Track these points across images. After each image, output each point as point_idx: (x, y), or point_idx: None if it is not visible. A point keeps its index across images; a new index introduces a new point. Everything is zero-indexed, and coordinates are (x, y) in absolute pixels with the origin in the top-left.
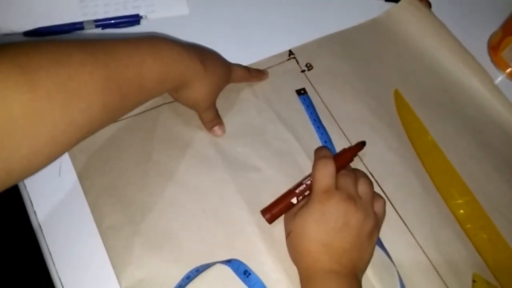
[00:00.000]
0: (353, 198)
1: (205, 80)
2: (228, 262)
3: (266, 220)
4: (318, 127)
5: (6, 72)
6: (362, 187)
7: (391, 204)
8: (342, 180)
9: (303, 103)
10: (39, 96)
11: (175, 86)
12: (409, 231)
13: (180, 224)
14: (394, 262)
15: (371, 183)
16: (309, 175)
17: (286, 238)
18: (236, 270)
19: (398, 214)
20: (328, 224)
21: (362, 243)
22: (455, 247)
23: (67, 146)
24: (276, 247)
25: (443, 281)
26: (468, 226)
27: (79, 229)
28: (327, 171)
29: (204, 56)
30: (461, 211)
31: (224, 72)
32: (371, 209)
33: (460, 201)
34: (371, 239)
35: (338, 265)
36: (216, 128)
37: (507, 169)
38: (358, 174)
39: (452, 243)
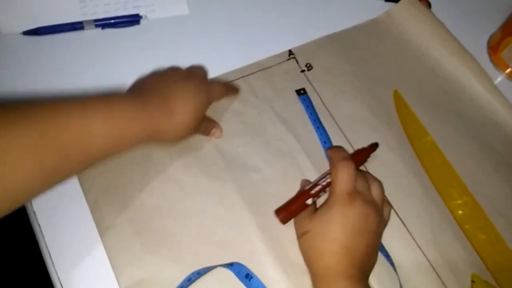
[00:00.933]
0: (373, 203)
1: (175, 125)
2: (230, 265)
3: (280, 221)
4: (318, 127)
5: None
6: (375, 191)
7: (390, 204)
8: (358, 183)
9: (303, 103)
10: None
11: (137, 143)
12: (408, 231)
13: (179, 224)
14: (394, 262)
15: (382, 186)
16: (323, 176)
17: (299, 237)
18: (237, 274)
19: (397, 215)
20: (351, 227)
21: (376, 246)
22: (454, 247)
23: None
24: (276, 248)
25: (442, 281)
26: (467, 226)
27: (78, 229)
28: (350, 173)
29: (168, 99)
30: (460, 211)
31: (198, 102)
32: (382, 214)
33: (459, 201)
34: (379, 242)
35: (357, 269)
36: (213, 131)
37: (506, 170)
38: (370, 178)
39: (451, 244)
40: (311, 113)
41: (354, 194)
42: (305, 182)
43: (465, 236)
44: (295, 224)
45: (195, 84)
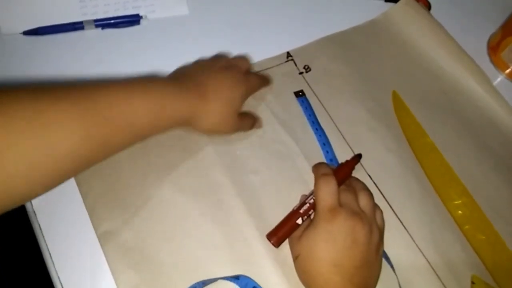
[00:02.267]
0: (358, 214)
1: (209, 112)
2: (236, 278)
3: (273, 245)
4: (317, 129)
5: None
6: (363, 201)
7: (390, 206)
8: (344, 196)
9: (301, 105)
10: (16, 121)
11: (175, 124)
12: (408, 232)
13: (178, 228)
14: (393, 264)
15: (371, 194)
16: (311, 194)
17: (294, 261)
18: (244, 287)
19: (397, 216)
20: (337, 243)
21: (371, 258)
22: (454, 249)
23: (56, 177)
24: (276, 251)
25: (442, 282)
26: (467, 227)
27: (79, 232)
28: (330, 189)
29: (206, 85)
30: (460, 212)
31: (234, 93)
32: (375, 222)
33: (458, 202)
34: (378, 253)
35: (351, 284)
36: (255, 125)
37: (505, 170)
38: (357, 187)
39: (451, 245)
40: (309, 115)
41: (336, 209)
42: (304, 197)
43: (464, 237)
44: (290, 248)
45: (232, 76)
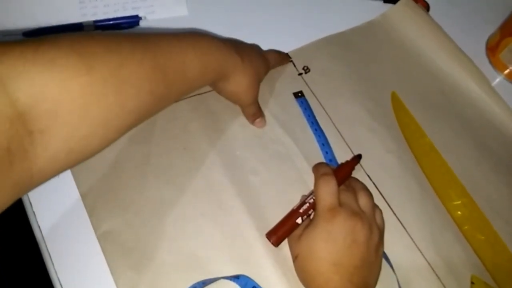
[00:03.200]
0: (358, 214)
1: (243, 71)
2: (236, 278)
3: (272, 244)
4: (316, 130)
5: (65, 58)
6: (363, 201)
7: (389, 206)
8: (344, 196)
9: (300, 106)
10: (95, 80)
11: (215, 78)
12: (407, 233)
13: (178, 227)
14: (393, 265)
15: (370, 195)
16: (311, 193)
17: (293, 261)
18: (244, 287)
19: (396, 217)
20: (336, 243)
21: (370, 258)
22: (453, 249)
23: (119, 132)
24: (275, 250)
25: (442, 283)
26: (466, 227)
27: (78, 232)
28: (330, 189)
29: (240, 48)
30: (459, 212)
31: (260, 63)
32: (375, 222)
33: (457, 202)
34: (378, 252)
35: (350, 284)
36: (258, 121)
37: (504, 171)
38: (357, 187)
39: (451, 245)
40: (308, 116)
41: (336, 209)
42: (304, 197)
43: (464, 237)
44: (289, 247)
45: (257, 50)
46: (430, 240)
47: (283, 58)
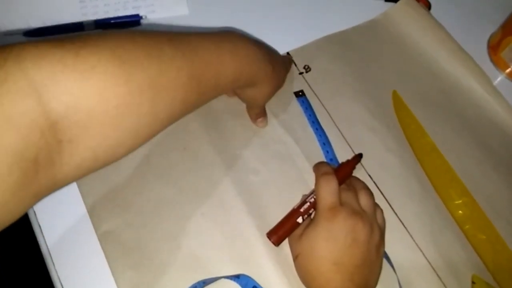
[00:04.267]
0: (359, 213)
1: (270, 80)
2: (236, 277)
3: (273, 243)
4: (317, 129)
5: (105, 65)
6: (364, 200)
7: (390, 206)
8: (345, 195)
9: (301, 105)
10: (132, 90)
11: (245, 85)
12: (408, 233)
13: (178, 227)
14: (393, 264)
15: (371, 194)
16: (311, 193)
17: (294, 260)
18: (244, 286)
19: (397, 216)
20: (337, 242)
21: (371, 257)
22: (454, 248)
23: (147, 139)
24: (276, 250)
25: (443, 282)
26: (467, 227)
27: (79, 232)
28: (330, 188)
29: (273, 57)
30: (460, 212)
31: (284, 73)
32: (376, 221)
33: (458, 202)
34: (379, 252)
35: (351, 283)
36: (260, 120)
37: (505, 170)
38: (358, 187)
39: (452, 245)
40: (309, 115)
41: (336, 208)
42: (305, 197)
43: (465, 237)
44: (290, 247)
45: (282, 58)
46: (431, 239)
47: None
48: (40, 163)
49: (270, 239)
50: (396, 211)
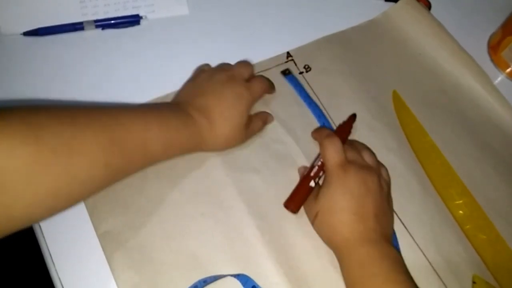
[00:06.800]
0: (366, 167)
1: (218, 134)
2: (236, 276)
3: (291, 211)
4: (310, 104)
5: (14, 128)
6: (367, 157)
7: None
8: (349, 153)
9: (290, 83)
10: (43, 149)
11: (184, 151)
12: (409, 232)
13: (179, 227)
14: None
15: (373, 152)
16: (316, 158)
17: (312, 223)
18: (244, 284)
19: (397, 216)
20: (353, 194)
21: (384, 205)
22: (454, 248)
23: (69, 202)
24: (277, 250)
25: (443, 282)
26: (468, 226)
27: (79, 232)
28: (336, 147)
29: (208, 111)
30: (460, 211)
31: (238, 110)
32: (382, 175)
33: (459, 202)
34: (390, 202)
35: (374, 232)
36: (267, 122)
37: (505, 170)
38: (359, 147)
39: (452, 245)
40: (300, 91)
41: (346, 164)
42: (303, 168)
43: (465, 237)
44: (306, 212)
45: (233, 91)
46: (431, 239)
47: (269, 84)
48: None
49: (288, 209)
50: (396, 211)
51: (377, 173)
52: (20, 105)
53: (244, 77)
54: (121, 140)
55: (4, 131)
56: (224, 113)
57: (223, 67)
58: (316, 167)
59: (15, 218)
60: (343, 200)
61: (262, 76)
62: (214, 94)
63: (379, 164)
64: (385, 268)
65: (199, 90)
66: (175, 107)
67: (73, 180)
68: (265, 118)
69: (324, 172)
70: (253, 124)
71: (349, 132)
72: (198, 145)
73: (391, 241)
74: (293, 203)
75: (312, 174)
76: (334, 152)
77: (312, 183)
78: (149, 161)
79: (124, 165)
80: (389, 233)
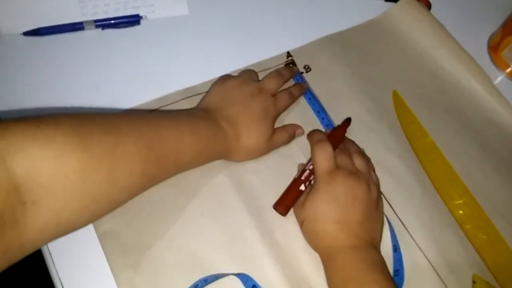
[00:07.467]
0: (355, 173)
1: (244, 146)
2: (237, 275)
3: (280, 214)
4: (310, 99)
5: (64, 135)
6: (357, 161)
7: (390, 206)
8: (340, 159)
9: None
10: (90, 158)
11: (210, 160)
12: (408, 232)
13: (179, 228)
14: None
15: (364, 155)
16: (309, 161)
17: (301, 227)
18: (245, 283)
19: (397, 216)
20: (338, 202)
21: (372, 212)
22: (455, 248)
23: (109, 208)
24: (276, 250)
25: (443, 282)
26: (468, 226)
27: (79, 232)
28: (326, 153)
29: (236, 123)
30: (461, 211)
31: (264, 124)
32: (371, 180)
33: (459, 202)
34: (378, 207)
35: (357, 239)
36: (297, 133)
37: (505, 170)
38: (351, 150)
39: (452, 245)
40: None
41: (334, 171)
42: (302, 165)
43: (465, 237)
44: (295, 215)
45: (261, 105)
46: (431, 239)
47: (295, 95)
48: (6, 221)
49: (277, 211)
50: (396, 211)
51: (366, 179)
52: (66, 112)
53: (272, 91)
54: (157, 149)
55: (56, 137)
56: (250, 126)
57: (252, 75)
58: (308, 171)
59: (62, 223)
60: (328, 209)
61: (288, 91)
62: (242, 105)
63: (370, 168)
64: (363, 271)
65: (229, 99)
66: (205, 115)
67: (114, 187)
68: (292, 131)
69: (314, 176)
70: (276, 136)
71: (342, 137)
72: (222, 155)
73: (378, 244)
74: (283, 205)
75: (303, 178)
76: (323, 158)
77: (302, 187)
78: (179, 169)
79: (158, 172)
80: (375, 237)
